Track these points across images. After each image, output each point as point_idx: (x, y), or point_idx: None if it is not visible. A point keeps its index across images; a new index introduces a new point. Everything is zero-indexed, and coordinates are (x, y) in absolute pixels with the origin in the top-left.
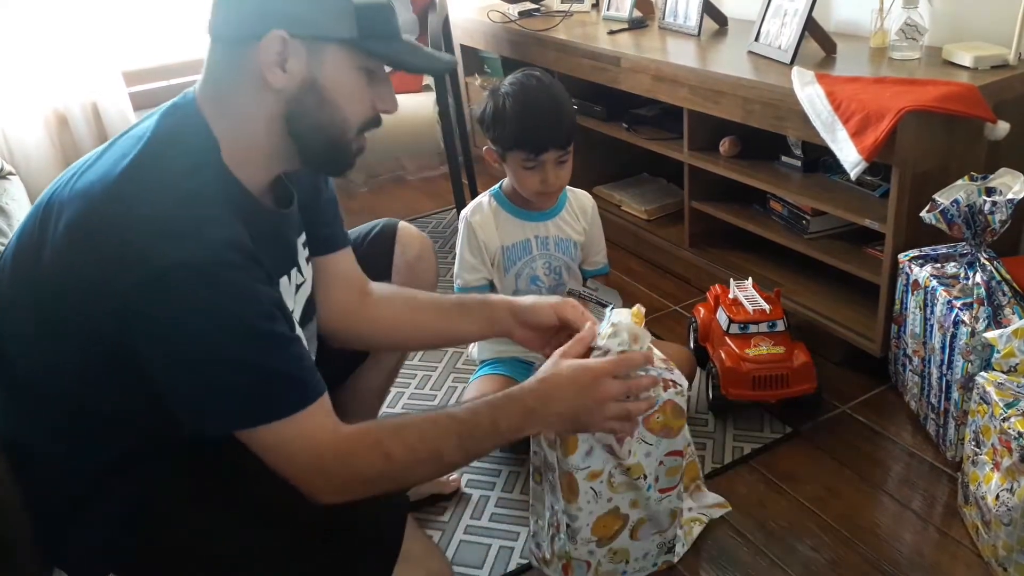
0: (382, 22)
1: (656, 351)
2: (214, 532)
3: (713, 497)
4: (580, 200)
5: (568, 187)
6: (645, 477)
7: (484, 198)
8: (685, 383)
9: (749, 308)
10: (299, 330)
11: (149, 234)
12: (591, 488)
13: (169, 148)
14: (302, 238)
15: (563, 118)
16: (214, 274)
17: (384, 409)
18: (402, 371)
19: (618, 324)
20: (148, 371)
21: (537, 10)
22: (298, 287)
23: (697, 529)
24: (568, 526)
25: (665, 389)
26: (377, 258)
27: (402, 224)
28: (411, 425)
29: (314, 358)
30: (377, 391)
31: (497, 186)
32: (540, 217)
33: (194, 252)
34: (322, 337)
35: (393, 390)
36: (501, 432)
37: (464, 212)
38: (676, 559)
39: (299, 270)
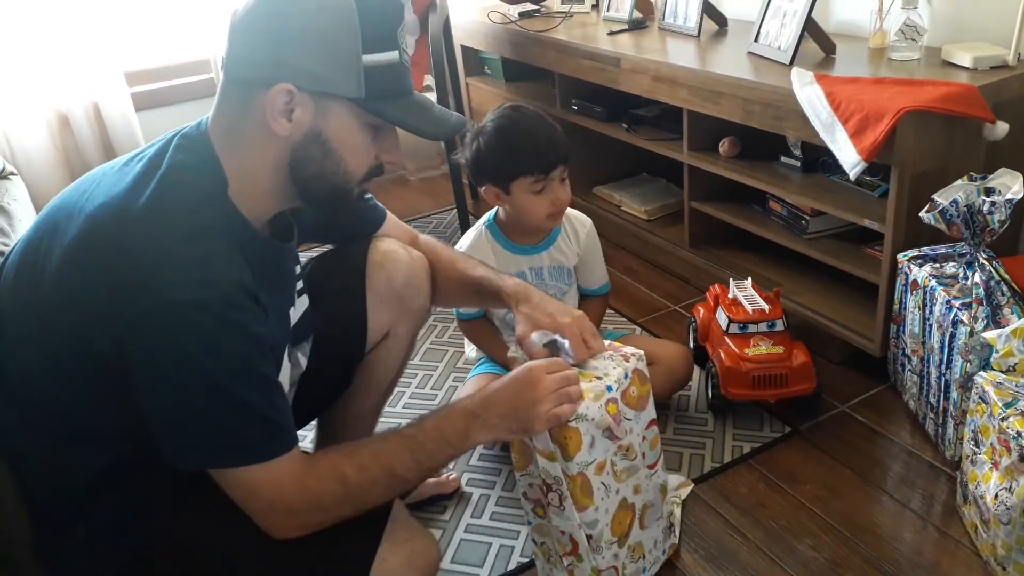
0: (392, 81)
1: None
2: (206, 535)
3: (676, 478)
4: (575, 224)
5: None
6: (636, 456)
7: (479, 233)
8: (640, 351)
9: (748, 308)
10: (286, 360)
11: (160, 267)
12: (602, 483)
13: (180, 183)
14: (297, 268)
15: (559, 134)
16: (221, 314)
17: (385, 409)
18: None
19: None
20: (139, 398)
21: (537, 11)
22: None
23: (677, 511)
24: (589, 537)
25: (627, 360)
26: (349, 276)
27: (386, 246)
28: (364, 447)
29: (304, 370)
30: (372, 408)
31: (490, 218)
32: (534, 250)
33: (202, 290)
34: (313, 361)
35: (395, 390)
36: (448, 440)
37: (459, 246)
38: (676, 540)
39: (297, 295)
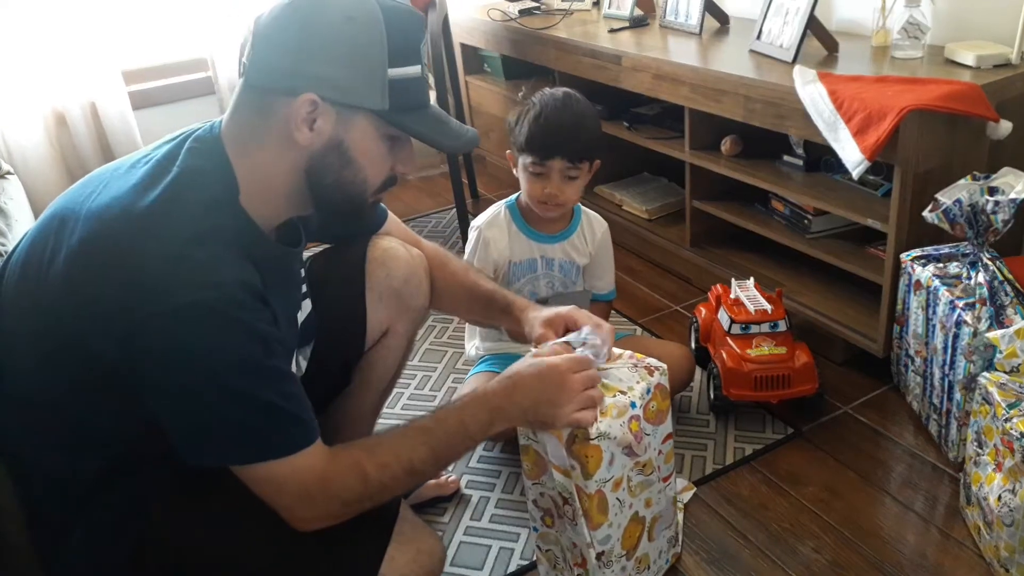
0: (413, 94)
1: (617, 350)
2: (208, 536)
3: (678, 481)
4: (592, 224)
5: (585, 210)
6: (654, 471)
7: (499, 210)
8: (664, 364)
9: (751, 308)
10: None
11: (167, 269)
12: (617, 499)
13: (191, 187)
14: (303, 271)
15: (579, 131)
16: (226, 313)
17: (384, 410)
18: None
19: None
20: (148, 399)
21: (537, 8)
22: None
23: (680, 517)
24: (600, 555)
25: (651, 374)
26: (348, 274)
27: (386, 243)
28: (384, 443)
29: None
30: (371, 408)
31: (513, 199)
32: (550, 240)
33: (207, 291)
34: (311, 359)
35: (393, 390)
36: (471, 434)
37: (478, 223)
38: (680, 548)
39: (302, 299)
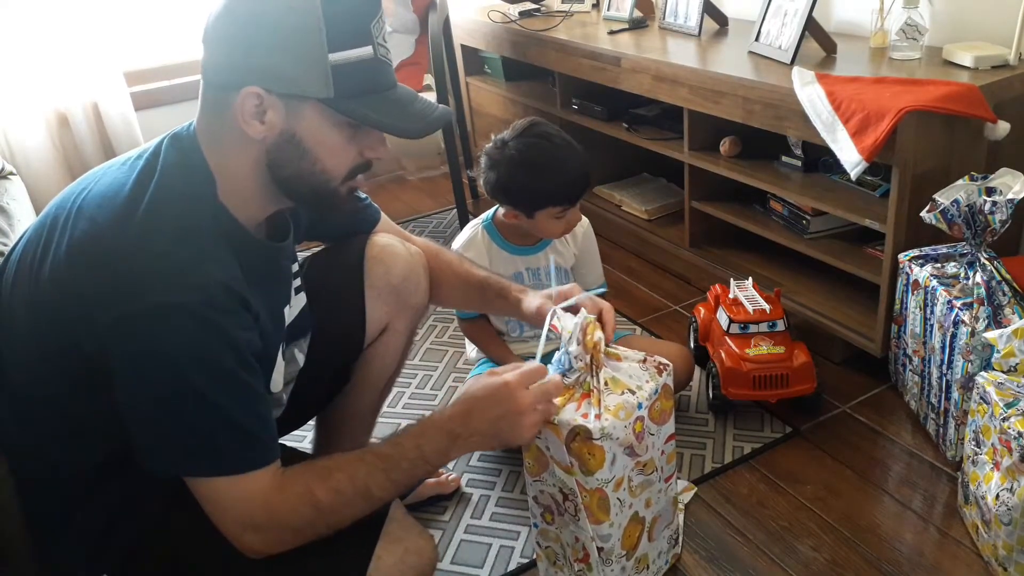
0: (364, 78)
1: (623, 350)
2: (200, 533)
3: (680, 482)
4: None
5: None
6: (656, 471)
7: (476, 232)
8: (670, 363)
9: (749, 308)
10: (280, 357)
11: (146, 269)
12: (618, 499)
13: (171, 184)
14: (295, 267)
15: (585, 159)
16: (203, 316)
17: (384, 409)
18: (402, 371)
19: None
20: (118, 396)
21: (537, 10)
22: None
23: (680, 518)
24: (600, 550)
25: (660, 374)
26: (347, 271)
27: (384, 241)
28: (339, 468)
29: (302, 366)
30: (371, 406)
31: (488, 218)
32: (531, 251)
33: (187, 293)
34: (310, 357)
35: (394, 390)
36: (428, 459)
37: (455, 247)
38: (680, 549)
39: (294, 293)
